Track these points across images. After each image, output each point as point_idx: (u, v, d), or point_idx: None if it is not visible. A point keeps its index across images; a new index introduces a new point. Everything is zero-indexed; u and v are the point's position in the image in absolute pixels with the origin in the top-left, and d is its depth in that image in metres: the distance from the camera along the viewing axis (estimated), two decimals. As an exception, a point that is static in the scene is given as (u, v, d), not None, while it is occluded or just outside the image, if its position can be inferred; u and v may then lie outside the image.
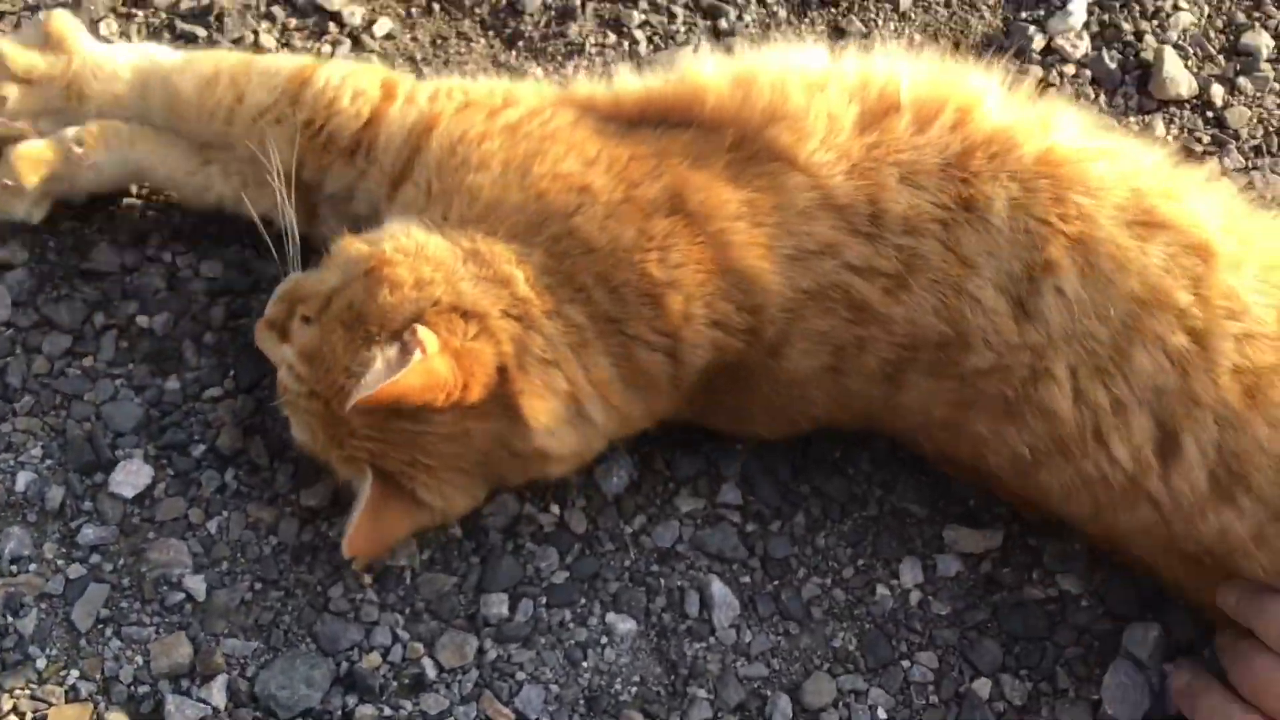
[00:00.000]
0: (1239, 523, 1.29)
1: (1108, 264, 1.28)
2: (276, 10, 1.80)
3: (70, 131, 1.50)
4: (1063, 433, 1.33)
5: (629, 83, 1.46)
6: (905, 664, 1.46)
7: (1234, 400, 1.26)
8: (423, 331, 1.24)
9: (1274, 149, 1.84)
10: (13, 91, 1.51)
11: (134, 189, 1.63)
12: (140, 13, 1.77)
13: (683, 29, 1.85)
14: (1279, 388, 1.27)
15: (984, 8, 1.92)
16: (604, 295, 1.30)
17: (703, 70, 1.43)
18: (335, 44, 1.77)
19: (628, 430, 1.42)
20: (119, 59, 1.53)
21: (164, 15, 1.77)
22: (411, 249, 1.30)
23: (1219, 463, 1.28)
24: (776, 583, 1.50)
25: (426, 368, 1.22)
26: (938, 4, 1.92)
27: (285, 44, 1.77)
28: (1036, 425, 1.34)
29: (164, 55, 1.55)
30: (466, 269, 1.29)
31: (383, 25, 1.80)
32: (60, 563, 1.43)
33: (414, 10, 1.82)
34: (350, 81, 1.45)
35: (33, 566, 1.43)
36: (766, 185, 1.33)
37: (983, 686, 1.45)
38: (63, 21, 1.54)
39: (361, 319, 1.27)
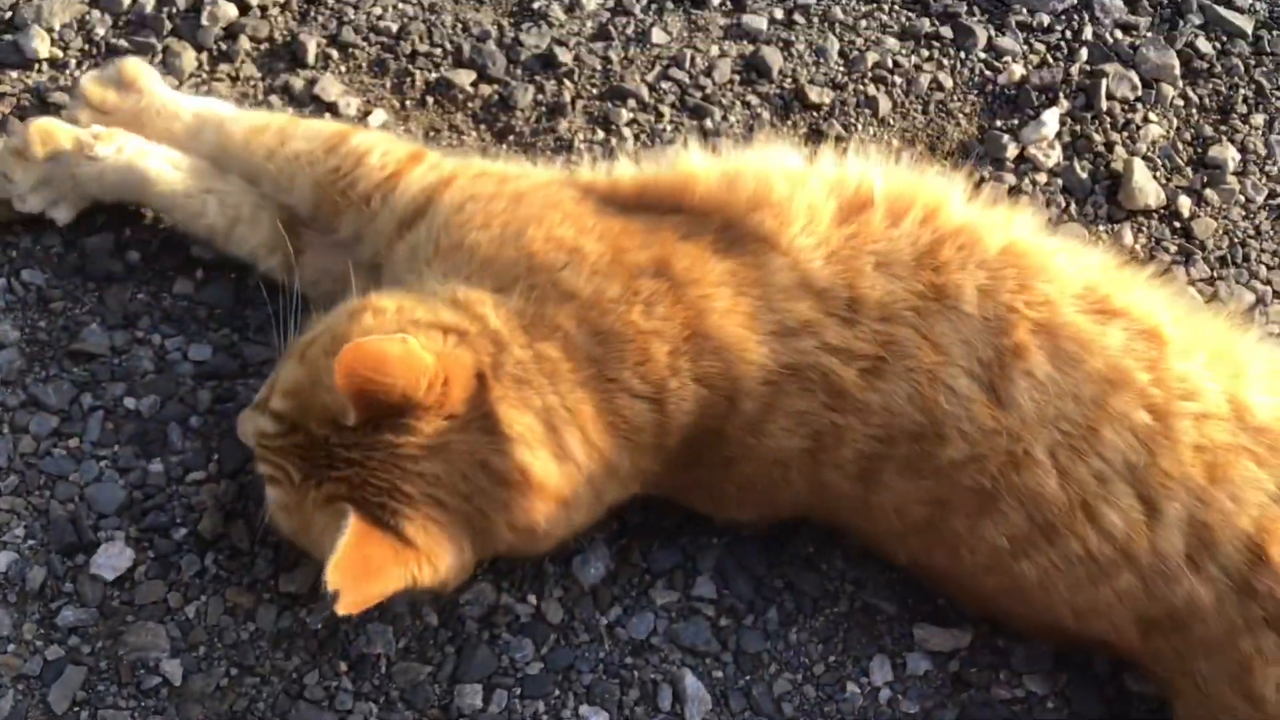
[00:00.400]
0: (1205, 589, 1.33)
1: (1071, 346, 1.35)
2: (274, 99, 1.84)
3: (93, 126, 1.62)
4: (1050, 514, 1.36)
5: (626, 171, 1.54)
6: (874, 763, 1.48)
7: (1198, 476, 1.33)
8: (408, 337, 1.25)
9: (1239, 260, 1.89)
10: (85, 117, 1.64)
11: (122, 264, 1.66)
12: (139, 99, 1.81)
13: (669, 127, 1.90)
14: (1236, 466, 1.33)
15: (960, 116, 1.98)
16: (585, 338, 1.34)
17: (693, 162, 1.50)
18: (329, 134, 1.81)
19: (616, 485, 1.41)
20: (183, 103, 1.68)
21: (162, 102, 1.81)
22: (396, 295, 1.36)
23: (1191, 532, 1.33)
24: (749, 678, 1.52)
25: (407, 348, 1.23)
26: (915, 111, 1.98)
27: (280, 133, 1.81)
28: (1016, 514, 1.37)
29: (222, 106, 1.69)
30: (445, 305, 1.35)
31: (377, 116, 1.84)
32: (39, 644, 1.44)
33: (408, 103, 1.87)
34: (382, 145, 1.58)
35: (11, 647, 1.44)
36: (751, 262, 1.38)
37: (952, 787, 1.47)
38: (136, 67, 1.70)
39: (345, 340, 1.27)
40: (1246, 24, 2.13)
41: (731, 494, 1.49)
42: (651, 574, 1.57)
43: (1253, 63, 2.10)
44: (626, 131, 1.89)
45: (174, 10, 1.89)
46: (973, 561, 1.43)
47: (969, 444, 1.36)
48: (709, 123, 1.91)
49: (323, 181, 1.56)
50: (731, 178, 1.46)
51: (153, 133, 1.65)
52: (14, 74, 1.81)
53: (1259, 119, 2.04)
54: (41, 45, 1.82)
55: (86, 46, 1.85)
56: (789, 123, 1.94)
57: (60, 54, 1.84)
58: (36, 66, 1.82)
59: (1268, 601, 1.32)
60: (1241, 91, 2.06)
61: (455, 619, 1.51)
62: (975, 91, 2.01)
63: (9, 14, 1.85)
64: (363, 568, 1.23)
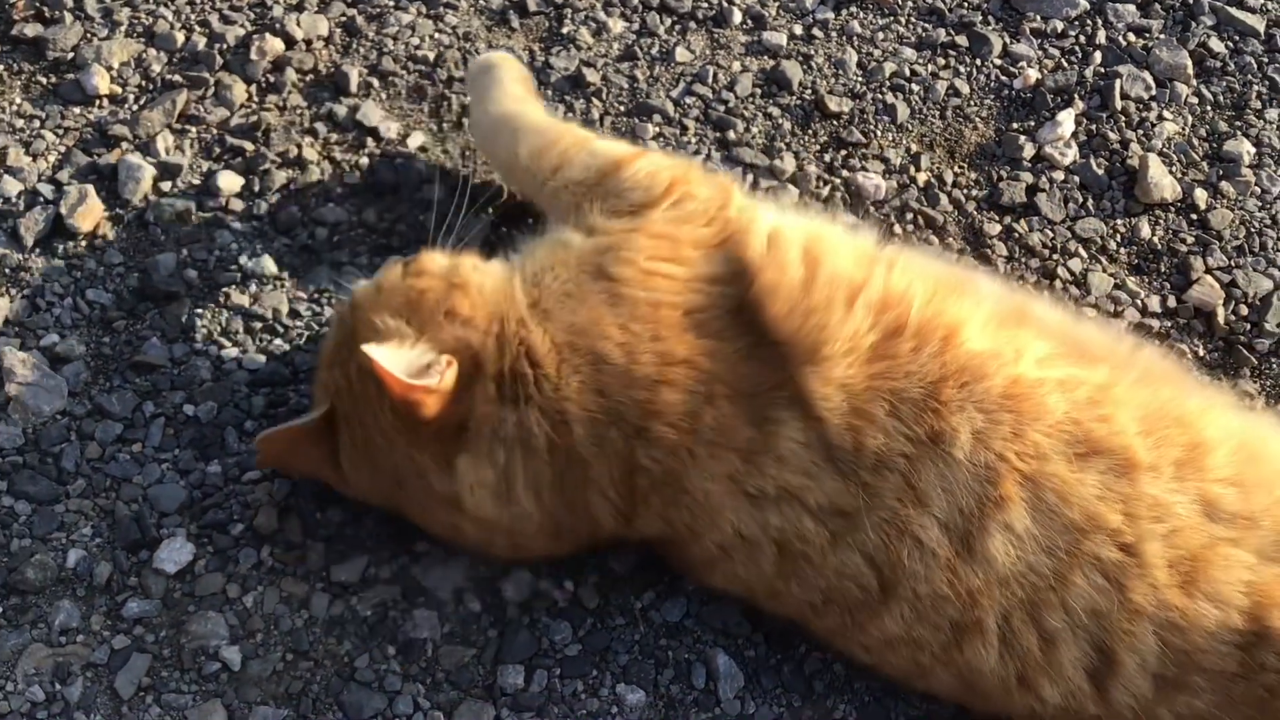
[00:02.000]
0: (1198, 700, 1.33)
1: (1053, 498, 1.33)
2: (319, 126, 1.95)
3: None
4: (985, 685, 1.38)
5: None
6: (903, 735, 1.53)
7: (1174, 598, 1.31)
8: (450, 372, 1.36)
9: (1256, 249, 1.94)
10: None
11: (181, 282, 1.76)
12: (193, 129, 1.92)
13: (694, 140, 1.98)
14: (1215, 562, 1.32)
15: (977, 119, 2.05)
16: (584, 434, 1.39)
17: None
18: (372, 156, 1.91)
19: (559, 540, 1.50)
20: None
21: (215, 131, 1.93)
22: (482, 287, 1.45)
23: (1163, 666, 1.32)
24: (779, 656, 1.57)
25: (425, 394, 1.36)
26: (933, 116, 2.05)
27: (327, 156, 1.91)
28: (952, 684, 1.42)
29: (532, 114, 1.71)
30: (505, 327, 1.41)
31: (416, 139, 1.94)
32: (106, 634, 1.53)
33: (445, 125, 1.97)
34: (647, 175, 1.53)
35: (80, 638, 1.53)
36: (771, 430, 1.37)
37: (978, 757, 1.51)
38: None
39: (417, 307, 1.42)
40: (1259, 23, 2.18)
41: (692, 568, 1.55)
42: (684, 560, 1.63)
43: (1266, 60, 2.15)
44: (653, 145, 1.97)
45: (224, 46, 2.00)
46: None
47: (914, 613, 1.37)
48: (731, 134, 1.99)
49: (582, 204, 1.54)
50: (806, 291, 1.40)
51: None
52: (77, 110, 1.93)
53: (1273, 114, 2.08)
54: (102, 82, 1.95)
55: (144, 83, 1.97)
56: (809, 131, 2.01)
57: (119, 90, 1.96)
58: (98, 102, 1.94)
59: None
60: (1255, 88, 2.11)
61: (497, 605, 1.58)
62: (992, 96, 2.07)
63: (71, 55, 1.98)
64: (291, 451, 1.52)
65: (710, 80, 2.05)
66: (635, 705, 1.53)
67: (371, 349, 1.34)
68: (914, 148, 2.01)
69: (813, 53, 2.09)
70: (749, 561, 1.43)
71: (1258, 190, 1.99)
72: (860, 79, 2.07)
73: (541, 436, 1.39)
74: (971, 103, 2.06)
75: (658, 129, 1.99)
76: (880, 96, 2.06)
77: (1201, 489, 1.35)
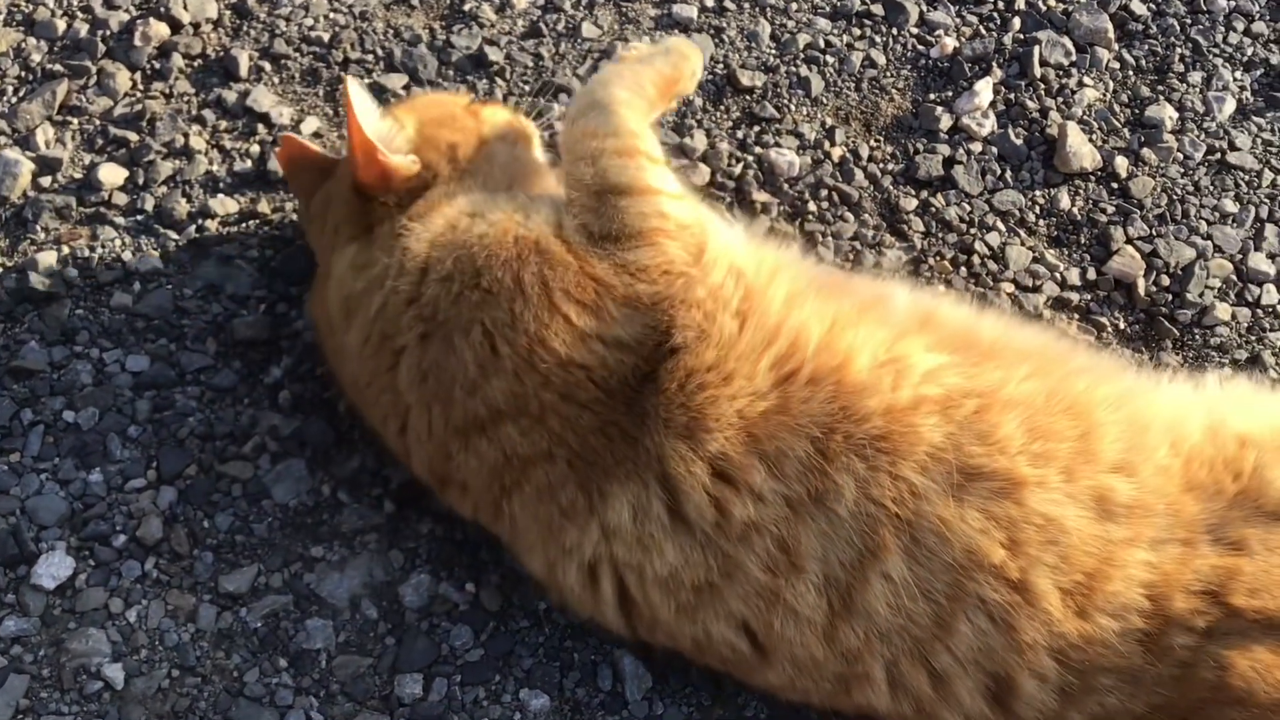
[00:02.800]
0: (1108, 697, 1.29)
1: (932, 540, 1.28)
2: (207, 114, 1.86)
3: None
4: (885, 717, 1.34)
5: None
6: (815, 732, 1.49)
7: (1069, 628, 1.27)
8: (411, 166, 1.49)
9: (1178, 217, 1.89)
10: None
11: (61, 282, 1.69)
12: (75, 120, 1.84)
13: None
14: (1112, 577, 1.28)
15: (893, 91, 1.99)
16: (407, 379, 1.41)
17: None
18: (263, 143, 1.84)
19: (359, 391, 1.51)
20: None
21: (97, 122, 1.84)
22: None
23: (1064, 683, 1.28)
24: (689, 655, 1.52)
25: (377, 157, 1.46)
26: (848, 89, 1.99)
27: (215, 145, 1.84)
28: (853, 712, 1.37)
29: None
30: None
31: (310, 124, 1.87)
32: (-18, 655, 1.46)
33: (341, 109, 1.89)
34: (636, 214, 1.41)
35: (-45, 659, 1.46)
36: (600, 501, 1.34)
37: (892, 752, 1.47)
38: None
39: (437, 130, 1.54)
40: (1181, -16, 2.13)
41: None
42: (590, 557, 1.58)
43: (1189, 21, 2.10)
44: (559, 125, 1.90)
45: (107, 33, 1.92)
46: None
47: (795, 672, 1.34)
48: (640, 112, 1.92)
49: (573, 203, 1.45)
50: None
51: None
52: (-48, 103, 1.85)
53: (1196, 76, 2.04)
54: (-22, 74, 1.86)
55: (23, 73, 1.88)
56: (722, 106, 1.95)
57: (-3, 81, 1.87)
58: (-26, 95, 1.86)
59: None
60: (1178, 50, 2.06)
61: (395, 611, 1.52)
62: (908, 66, 2.02)
63: (-54, 45, 1.89)
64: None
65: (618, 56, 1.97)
66: (539, 711, 1.48)
67: (354, 88, 1.45)
68: (829, 122, 1.95)
69: (725, 25, 2.03)
70: (590, 600, 1.40)
71: (1180, 156, 1.95)
72: (774, 51, 2.01)
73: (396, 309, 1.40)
74: (888, 74, 2.01)
75: (564, 109, 1.92)
76: (794, 69, 1.99)
77: (1093, 485, 1.31)
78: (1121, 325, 1.80)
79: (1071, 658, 1.27)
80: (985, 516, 1.27)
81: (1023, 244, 1.85)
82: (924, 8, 2.08)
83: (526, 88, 1.93)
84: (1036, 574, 1.27)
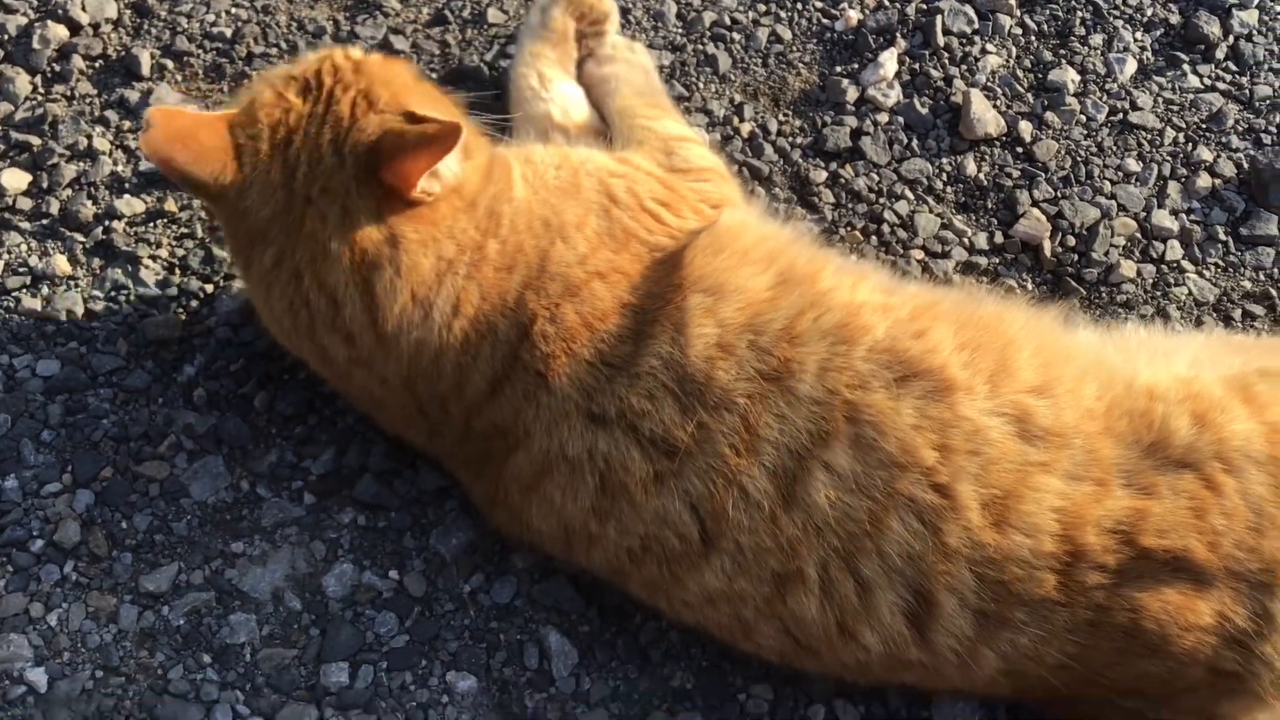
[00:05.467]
0: (1021, 636, 1.32)
1: (871, 433, 1.32)
2: (110, 114, 1.85)
3: None
4: (809, 636, 1.36)
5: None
6: (741, 697, 1.50)
7: (988, 539, 1.30)
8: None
9: (1082, 178, 1.92)
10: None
11: None
12: (-25, 126, 1.82)
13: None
14: (1026, 496, 1.31)
15: (800, 65, 2.01)
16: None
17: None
18: (169, 142, 1.82)
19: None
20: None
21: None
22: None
23: (982, 602, 1.31)
24: (614, 630, 1.54)
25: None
26: (755, 64, 2.00)
27: (120, 145, 1.82)
28: (777, 639, 1.39)
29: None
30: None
31: (215, 121, 1.85)
32: (-101, 667, 1.45)
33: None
34: (698, 155, 1.68)
35: (-128, 673, 1.44)
36: (643, 346, 1.40)
37: (817, 713, 1.49)
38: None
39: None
40: (1078, -51, 2.16)
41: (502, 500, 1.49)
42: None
43: (1088, -14, 2.13)
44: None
45: (5, 37, 1.89)
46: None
47: (735, 568, 1.35)
48: (549, 95, 1.93)
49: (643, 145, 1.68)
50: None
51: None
52: None
53: (1098, 39, 2.07)
54: (-127, 82, 1.83)
55: (-80, 80, 1.85)
56: (630, 88, 1.96)
57: (-107, 89, 1.84)
58: None
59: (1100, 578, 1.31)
60: (1079, 14, 2.09)
61: (318, 602, 1.53)
62: (814, 40, 2.04)
63: None
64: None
65: (525, 41, 1.98)
66: (467, 692, 1.49)
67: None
68: (737, 98, 1.97)
69: (630, 5, 2.04)
70: (568, 488, 1.39)
71: (1083, 119, 1.98)
72: (680, 30, 2.02)
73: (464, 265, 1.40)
74: (794, 49, 2.02)
75: (471, 94, 1.92)
76: (701, 47, 2.01)
77: (1016, 402, 1.36)
78: (1029, 287, 1.83)
79: (989, 574, 1.30)
80: (919, 415, 1.33)
81: (931, 211, 1.88)
82: (828, -19, 2.10)
83: (434, 74, 1.93)
84: (961, 483, 1.31)
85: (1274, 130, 1.97)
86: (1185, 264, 1.86)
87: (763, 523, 1.32)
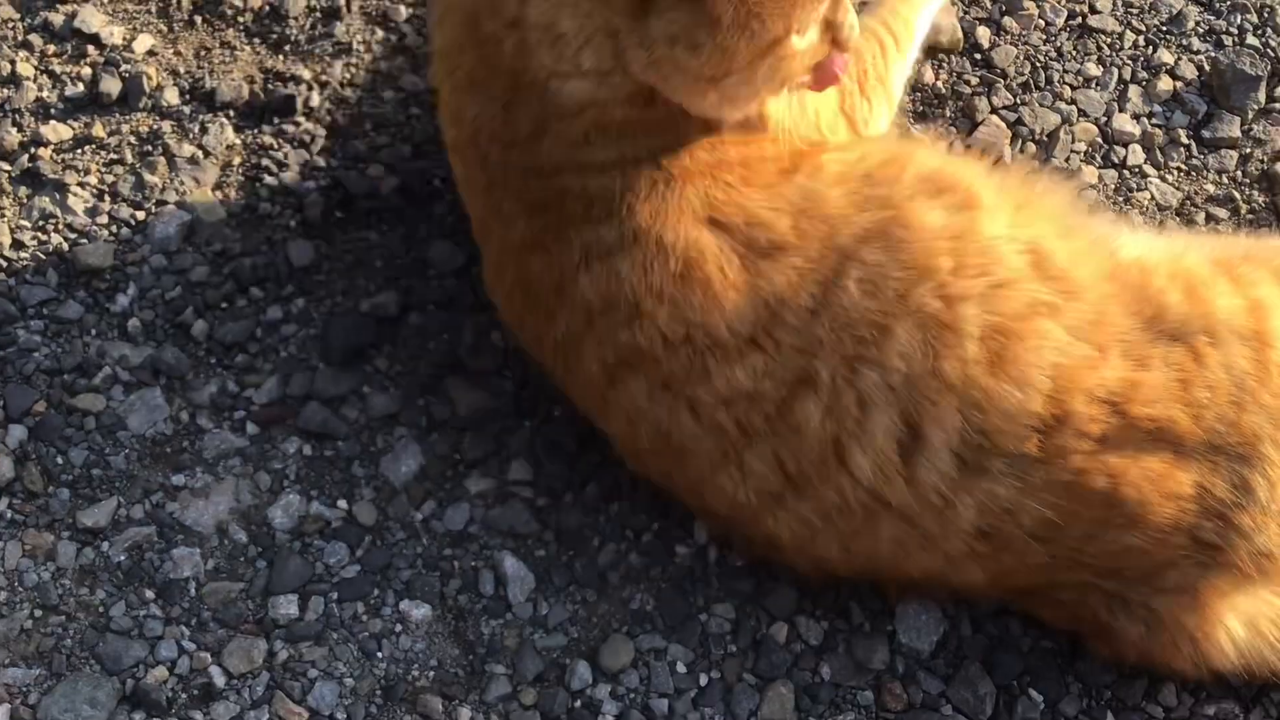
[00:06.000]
0: (999, 486, 1.30)
1: (900, 231, 1.32)
2: (34, 38, 1.77)
3: None
4: (803, 458, 1.32)
5: None
6: (703, 617, 1.47)
7: (980, 378, 1.28)
8: None
9: (1041, 84, 1.88)
10: None
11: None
12: (-110, 52, 1.74)
13: (452, 20, 1.85)
14: (1026, 340, 1.30)
15: (751, -27, 1.94)
16: None
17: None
18: (95, 65, 1.75)
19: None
20: None
21: (-85, 52, 1.74)
22: None
23: (965, 445, 1.29)
24: (571, 553, 1.50)
25: None
26: None
27: (45, 70, 1.75)
28: (766, 467, 1.34)
29: None
30: None
31: (143, 42, 1.78)
32: None
33: (176, 25, 1.81)
34: None
35: None
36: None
37: (779, 630, 1.47)
38: None
39: None
40: None
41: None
42: (465, 464, 1.54)
43: (1045, -112, 2.07)
44: (407, 29, 1.84)
45: (-83, -42, 1.81)
46: (718, 507, 1.40)
47: (764, 369, 1.30)
48: (491, 9, 1.86)
49: None
50: None
51: None
52: None
53: (1055, -57, 2.02)
54: None
55: None
56: None
57: None
58: None
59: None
60: (1036, -82, 2.04)
61: (265, 534, 1.48)
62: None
63: None
64: None
65: None
66: (421, 620, 1.45)
67: None
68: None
69: None
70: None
71: (1041, 24, 1.93)
72: None
73: None
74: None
75: (411, 9, 1.85)
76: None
77: (1036, 236, 1.36)
78: (989, 194, 1.79)
79: (973, 418, 1.29)
80: (946, 218, 1.34)
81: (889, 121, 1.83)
82: (778, -112, 2.03)
83: None
84: (967, 306, 1.30)
85: (1235, 32, 1.93)
86: (1147, 168, 1.82)
87: (804, 321, 1.30)
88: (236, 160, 1.71)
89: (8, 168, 1.67)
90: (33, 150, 1.68)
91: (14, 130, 1.69)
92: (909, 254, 1.31)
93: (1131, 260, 1.42)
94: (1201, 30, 1.93)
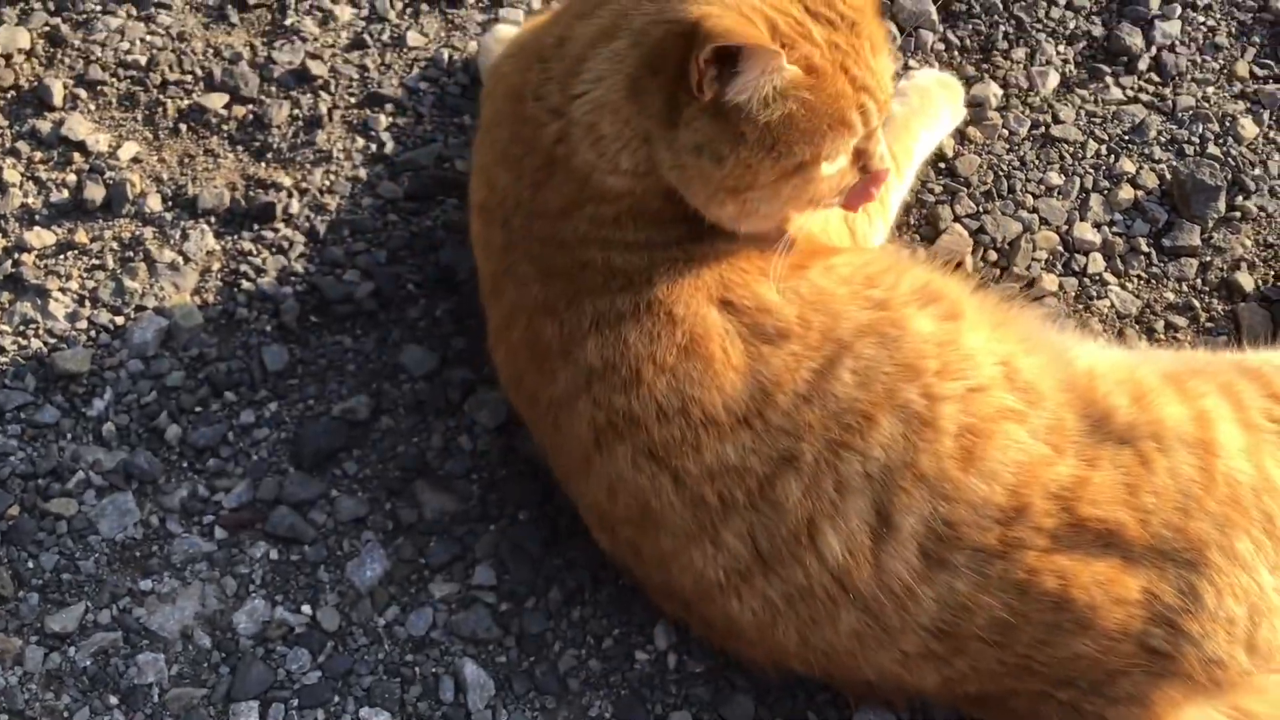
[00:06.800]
0: (958, 582, 1.33)
1: (894, 330, 1.39)
2: (21, 145, 1.82)
3: None
4: (776, 535, 1.34)
5: None
6: (661, 725, 1.49)
7: (952, 472, 1.33)
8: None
9: (1004, 193, 1.92)
10: None
11: None
12: (-118, 160, 1.79)
13: (430, 128, 1.90)
14: (994, 441, 1.35)
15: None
16: None
17: None
18: (80, 172, 1.80)
19: None
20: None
21: (-94, 160, 1.80)
22: None
23: (930, 541, 1.33)
24: (532, 659, 1.52)
25: None
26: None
27: (31, 176, 1.80)
28: (741, 544, 1.36)
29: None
30: None
31: (128, 149, 1.83)
32: None
33: (161, 132, 1.86)
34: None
35: None
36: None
37: (736, 738, 1.48)
38: None
39: None
40: (1001, -37, 2.16)
41: None
42: (429, 568, 1.57)
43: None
44: (386, 136, 1.89)
45: (-87, 68, 1.87)
46: (684, 584, 1.41)
47: (754, 444, 1.34)
48: (468, 119, 1.91)
49: None
50: None
51: None
52: None
53: (1020, 53, 2.07)
54: None
55: None
56: (552, 109, 1.94)
57: None
58: None
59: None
60: (1002, 28, 2.09)
61: (228, 639, 1.50)
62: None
63: None
64: None
65: (445, 64, 1.97)
66: (380, 728, 1.47)
67: None
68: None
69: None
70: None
71: (1005, 133, 1.98)
72: (602, 50, 2.01)
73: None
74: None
75: (391, 118, 1.91)
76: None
77: (1008, 352, 1.44)
78: (952, 302, 1.82)
79: (941, 509, 1.33)
80: (934, 326, 1.41)
81: (853, 228, 1.87)
82: (750, -1, 2.09)
83: (352, 99, 1.92)
84: (946, 405, 1.36)
85: (1197, 141, 1.98)
86: (1108, 276, 1.85)
87: (795, 404, 1.34)
88: (216, 266, 1.76)
89: (-9, 273, 1.71)
90: (16, 256, 1.73)
91: (-1, 236, 1.74)
92: (900, 353, 1.37)
93: (1083, 369, 1.47)
94: (1163, 140, 1.98)
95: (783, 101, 1.29)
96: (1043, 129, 1.99)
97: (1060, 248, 1.88)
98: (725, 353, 1.36)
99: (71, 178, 1.80)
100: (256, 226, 1.79)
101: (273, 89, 1.91)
